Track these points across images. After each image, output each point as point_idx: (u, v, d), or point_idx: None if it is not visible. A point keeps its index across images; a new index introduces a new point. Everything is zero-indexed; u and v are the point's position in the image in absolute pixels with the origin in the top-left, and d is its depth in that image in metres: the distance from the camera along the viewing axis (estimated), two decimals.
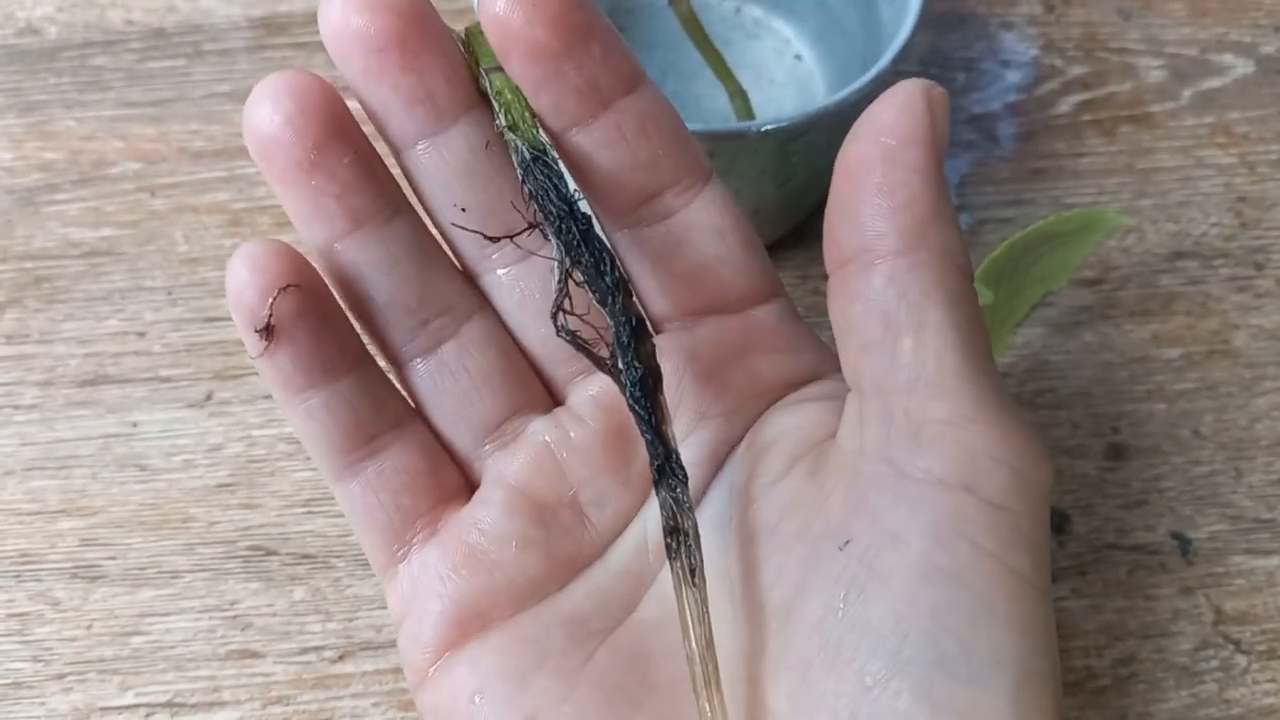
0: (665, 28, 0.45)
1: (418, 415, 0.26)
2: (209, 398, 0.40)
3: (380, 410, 0.25)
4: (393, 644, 0.36)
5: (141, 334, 0.41)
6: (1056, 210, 0.45)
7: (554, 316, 0.23)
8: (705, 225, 0.25)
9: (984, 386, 0.21)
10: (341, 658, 0.36)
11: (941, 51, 0.49)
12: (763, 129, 0.34)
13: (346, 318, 0.25)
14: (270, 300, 0.23)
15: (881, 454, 0.22)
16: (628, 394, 0.22)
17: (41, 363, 0.40)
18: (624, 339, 0.22)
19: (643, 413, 0.22)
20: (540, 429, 0.26)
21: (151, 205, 0.44)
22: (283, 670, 0.35)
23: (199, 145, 0.45)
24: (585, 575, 0.25)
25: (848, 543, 0.21)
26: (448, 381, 0.25)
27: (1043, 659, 0.20)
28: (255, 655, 0.35)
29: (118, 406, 0.40)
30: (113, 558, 0.37)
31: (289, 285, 0.23)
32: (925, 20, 0.50)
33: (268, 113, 0.23)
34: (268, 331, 0.24)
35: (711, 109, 0.44)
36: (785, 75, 0.45)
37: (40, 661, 0.35)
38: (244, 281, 0.23)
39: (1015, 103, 0.48)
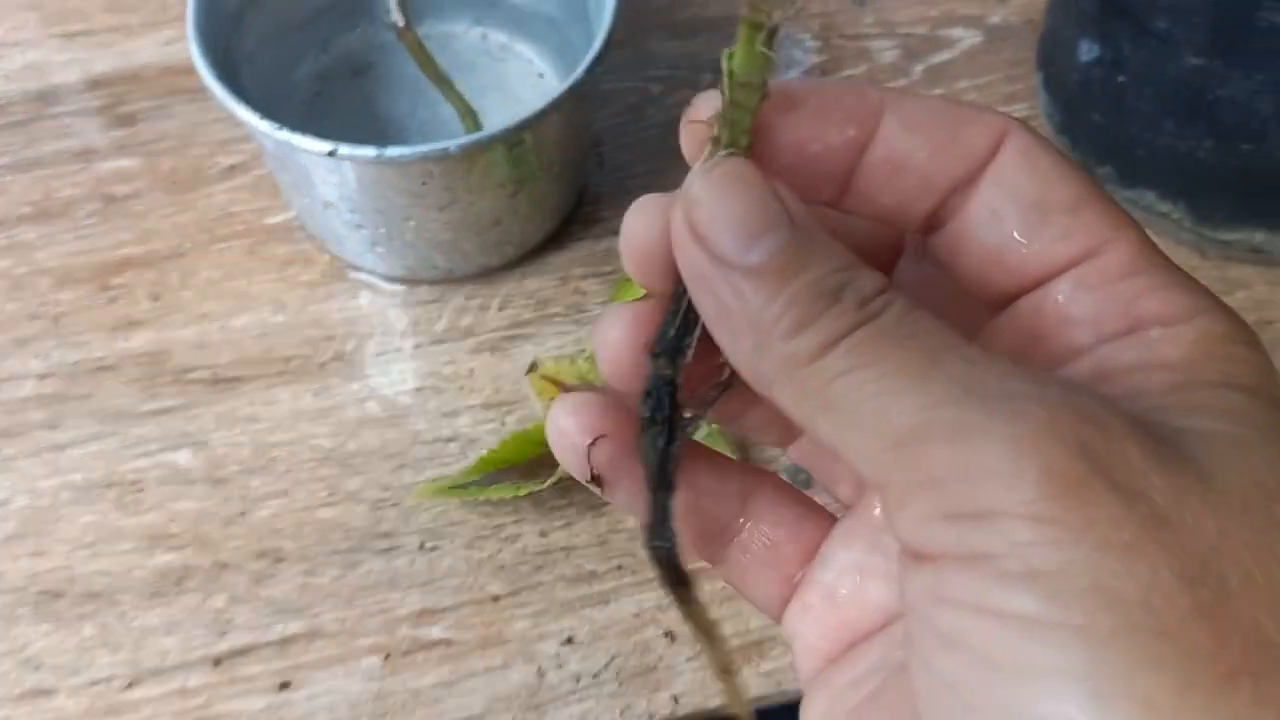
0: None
1: (765, 483, 0.27)
2: None
3: (724, 496, 0.27)
4: (180, 666, 0.38)
5: None
6: None
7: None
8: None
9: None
10: (130, 685, 0.37)
11: (690, 54, 0.52)
12: (458, 145, 0.37)
13: None
14: (586, 453, 0.26)
15: None
16: (645, 455, 0.24)
17: None
18: (661, 403, 0.24)
19: (653, 476, 0.24)
20: None
21: None
22: (74, 704, 0.37)
23: None
24: None
25: None
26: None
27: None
28: (47, 692, 0.37)
29: None
30: None
31: (596, 439, 0.26)
32: (667, 28, 0.53)
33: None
34: (597, 480, 0.26)
35: (461, 130, 0.47)
36: (531, 93, 0.48)
37: None
38: (566, 431, 0.26)
39: None
